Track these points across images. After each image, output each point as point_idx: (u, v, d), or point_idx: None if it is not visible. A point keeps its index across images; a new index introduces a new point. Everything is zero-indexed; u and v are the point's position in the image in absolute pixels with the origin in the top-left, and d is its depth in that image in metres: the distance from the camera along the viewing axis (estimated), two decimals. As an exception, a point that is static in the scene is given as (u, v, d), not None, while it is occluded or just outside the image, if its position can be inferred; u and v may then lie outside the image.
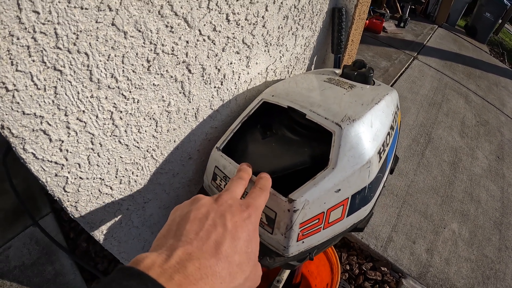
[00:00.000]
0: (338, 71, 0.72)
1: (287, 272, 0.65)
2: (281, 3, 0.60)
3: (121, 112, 0.45)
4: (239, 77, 0.61)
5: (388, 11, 3.64)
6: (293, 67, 0.80)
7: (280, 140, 0.56)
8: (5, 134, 0.37)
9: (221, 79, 0.57)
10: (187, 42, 0.46)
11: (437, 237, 1.72)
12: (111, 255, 1.47)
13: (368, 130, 0.51)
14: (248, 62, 0.61)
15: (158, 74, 0.45)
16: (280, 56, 0.71)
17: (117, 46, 0.39)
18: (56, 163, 0.41)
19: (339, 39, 0.85)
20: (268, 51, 0.65)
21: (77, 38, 0.36)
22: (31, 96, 0.36)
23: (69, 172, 0.44)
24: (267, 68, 0.68)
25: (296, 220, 0.44)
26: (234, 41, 0.54)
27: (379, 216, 1.76)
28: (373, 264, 1.61)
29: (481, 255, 1.63)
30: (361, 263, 1.62)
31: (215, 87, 0.57)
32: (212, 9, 0.46)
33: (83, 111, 0.41)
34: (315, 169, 0.48)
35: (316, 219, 0.47)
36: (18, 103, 0.35)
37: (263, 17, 0.57)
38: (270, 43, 0.64)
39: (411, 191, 1.90)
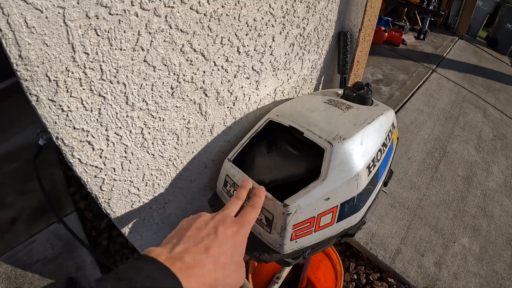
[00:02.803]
0: (341, 91, 0.79)
1: (287, 270, 0.71)
2: (287, 33, 0.68)
3: (149, 128, 0.54)
4: (249, 98, 0.70)
5: (408, 23, 3.63)
6: (301, 87, 0.87)
7: (282, 154, 0.64)
8: (58, 143, 0.48)
9: (233, 100, 0.66)
10: (204, 72, 0.55)
11: (447, 251, 1.70)
12: (129, 253, 1.58)
13: (358, 147, 0.58)
14: (257, 85, 0.70)
15: (180, 98, 0.55)
16: (288, 79, 0.79)
17: (148, 77, 0.49)
18: (96, 167, 0.52)
19: (345, 61, 0.92)
20: (276, 75, 0.74)
21: (117, 72, 0.46)
22: (80, 115, 0.46)
23: (105, 175, 0.54)
24: (275, 90, 0.77)
25: (290, 222, 0.52)
26: (244, 68, 0.63)
27: (389, 228, 1.76)
28: (380, 274, 1.62)
29: (491, 270, 1.61)
30: (368, 273, 1.64)
31: (228, 107, 0.66)
32: (224, 44, 0.55)
33: (120, 127, 0.51)
34: (310, 179, 0.55)
35: (307, 222, 0.54)
36: (71, 120, 0.46)
37: (270, 46, 0.66)
38: (278, 68, 0.73)
39: (422, 204, 1.89)
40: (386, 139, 0.67)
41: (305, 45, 0.77)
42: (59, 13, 0.37)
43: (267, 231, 0.55)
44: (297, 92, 0.87)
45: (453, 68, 3.00)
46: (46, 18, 0.37)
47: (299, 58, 0.77)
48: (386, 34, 3.14)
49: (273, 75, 0.72)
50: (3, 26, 0.35)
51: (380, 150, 0.64)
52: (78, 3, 0.37)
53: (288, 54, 0.73)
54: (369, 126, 0.62)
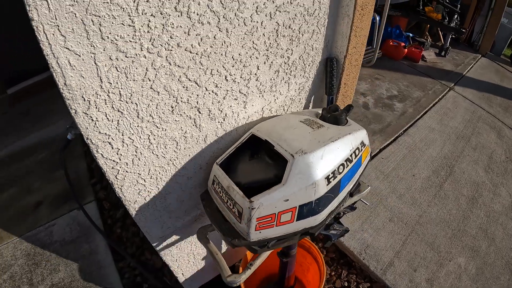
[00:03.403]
0: (321, 111, 0.92)
1: (260, 259, 0.85)
2: (272, 62, 0.83)
3: (154, 135, 0.72)
4: (238, 115, 0.86)
5: (430, 40, 3.63)
6: (289, 106, 1.02)
7: (260, 161, 0.79)
8: (88, 142, 0.66)
9: (224, 117, 0.82)
10: (197, 95, 0.71)
11: (441, 268, 1.73)
12: (139, 241, 1.77)
13: (318, 160, 0.71)
14: (245, 105, 0.85)
15: (178, 114, 0.72)
16: (275, 99, 0.94)
17: (153, 99, 0.66)
18: (113, 161, 0.70)
19: (331, 84, 1.05)
20: (263, 96, 0.89)
21: (131, 95, 0.63)
22: (104, 124, 0.64)
23: (120, 167, 0.71)
24: (262, 108, 0.92)
25: (254, 215, 0.66)
26: (232, 92, 0.78)
27: (384, 241, 1.82)
28: (371, 284, 1.68)
29: (485, 293, 1.62)
30: (359, 282, 1.71)
31: (219, 122, 0.82)
32: (214, 74, 0.71)
33: (132, 133, 0.68)
34: (276, 184, 0.69)
35: (269, 217, 0.67)
36: (97, 127, 0.64)
37: (255, 74, 0.81)
38: (264, 91, 0.88)
39: (421, 221, 1.93)
40: (351, 155, 0.80)
41: (291, 71, 0.91)
42: (91, 56, 0.55)
43: (238, 221, 0.70)
44: (285, 110, 1.01)
45: (472, 86, 2.97)
46: (83, 60, 0.55)
47: (285, 82, 0.92)
48: (406, 50, 3.17)
49: (259, 96, 0.87)
50: (54, 64, 0.53)
51: (342, 164, 0.77)
52: (104, 50, 0.55)
53: (274, 79, 0.87)
54: (332, 143, 0.75)
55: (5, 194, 2.22)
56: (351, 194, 0.85)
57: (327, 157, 0.73)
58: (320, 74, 1.04)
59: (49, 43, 0.52)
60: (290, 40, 0.82)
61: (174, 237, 1.03)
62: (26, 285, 1.68)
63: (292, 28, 0.79)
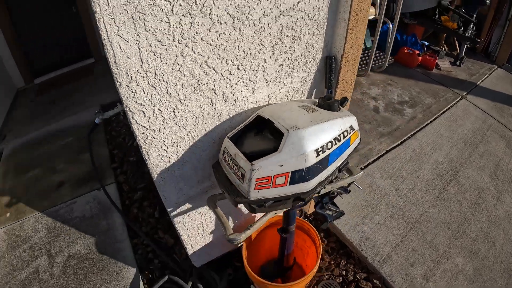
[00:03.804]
0: (318, 100, 1.10)
1: (259, 223, 1.03)
2: (276, 57, 1.03)
3: (178, 109, 0.93)
4: (247, 99, 1.06)
5: (446, 48, 3.74)
6: (292, 96, 1.21)
7: (263, 137, 0.98)
8: (127, 110, 0.87)
9: (235, 99, 1.03)
10: (215, 79, 0.92)
11: (438, 266, 1.83)
12: (154, 222, 1.98)
13: (308, 136, 0.89)
14: (253, 91, 1.05)
15: (198, 94, 0.92)
16: (279, 89, 1.13)
17: (180, 80, 0.87)
18: (144, 127, 0.91)
19: (330, 79, 1.23)
20: (269, 85, 1.09)
21: (163, 75, 0.84)
22: (141, 96, 0.85)
23: (149, 133, 0.93)
24: (268, 96, 1.12)
25: (253, 176, 0.85)
26: (243, 79, 0.99)
27: (383, 235, 1.95)
28: (367, 275, 1.81)
29: (481, 294, 1.70)
30: (356, 272, 1.84)
31: (231, 103, 1.03)
32: (228, 63, 0.92)
33: (161, 106, 0.89)
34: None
35: (266, 179, 0.86)
36: (135, 98, 0.85)
37: (262, 65, 1.01)
38: (270, 80, 1.07)
39: (422, 220, 2.04)
40: (339, 135, 0.98)
41: (293, 65, 1.11)
42: (136, 43, 0.77)
43: (241, 182, 0.89)
44: (289, 99, 1.20)
45: (484, 96, 3.06)
46: (130, 45, 0.76)
47: (288, 75, 1.12)
48: (420, 58, 3.30)
49: (266, 85, 1.07)
50: (109, 47, 0.75)
51: (331, 141, 0.95)
52: (146, 39, 0.77)
53: (278, 71, 1.07)
54: (322, 123, 0.93)
55: (31, 173, 2.50)
56: (339, 169, 1.03)
57: (317, 134, 0.91)
58: (321, 70, 1.23)
59: (106, 31, 0.73)
60: (293, 39, 1.02)
61: (187, 206, 1.23)
62: (45, 255, 1.91)
63: (294, 30, 0.99)
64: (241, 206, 1.43)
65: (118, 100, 2.63)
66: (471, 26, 3.23)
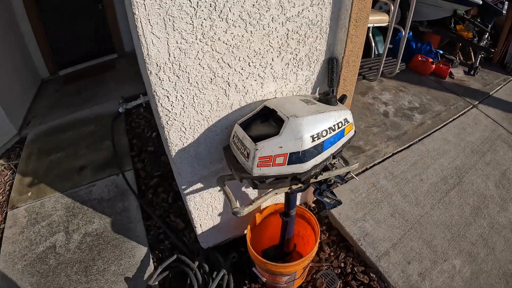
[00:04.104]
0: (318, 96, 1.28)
1: (261, 200, 1.21)
2: (283, 57, 1.22)
3: (197, 97, 1.13)
4: (256, 92, 1.25)
5: (461, 58, 3.83)
6: (297, 92, 1.39)
7: (267, 124, 1.16)
8: (154, 94, 1.07)
9: (246, 92, 1.22)
10: (229, 73, 1.12)
11: (435, 266, 1.93)
12: (167, 206, 2.21)
13: (306, 123, 1.06)
14: (262, 85, 1.24)
15: (214, 85, 1.12)
16: (285, 85, 1.32)
17: (199, 72, 1.07)
18: (167, 110, 1.11)
19: (332, 78, 1.41)
20: (276, 81, 1.27)
21: (186, 67, 1.05)
22: (166, 83, 1.06)
23: (171, 115, 1.13)
24: (275, 90, 1.30)
25: (257, 154, 1.03)
26: (253, 74, 1.18)
27: (383, 232, 2.07)
28: (365, 269, 1.93)
29: (477, 297, 1.77)
30: (354, 265, 1.97)
31: (242, 95, 1.22)
32: (240, 60, 1.11)
33: (183, 92, 1.10)
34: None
35: (267, 158, 1.04)
36: (162, 84, 1.05)
37: (270, 64, 1.20)
38: (277, 77, 1.26)
39: (422, 220, 2.15)
40: (334, 125, 1.15)
41: (298, 65, 1.29)
42: (165, 40, 0.97)
43: (246, 160, 1.08)
44: (294, 94, 1.39)
45: (496, 106, 3.14)
46: (160, 41, 0.97)
47: (293, 73, 1.30)
48: (433, 66, 3.42)
49: (273, 81, 1.26)
50: (143, 42, 0.95)
51: (326, 130, 1.12)
52: (173, 37, 0.97)
53: (285, 69, 1.26)
54: (319, 114, 1.11)
55: (54, 156, 2.76)
56: (333, 156, 1.20)
57: (313, 122, 1.09)
58: (324, 70, 1.41)
59: (142, 29, 0.94)
60: (298, 42, 1.21)
61: (199, 185, 1.43)
62: (62, 232, 2.12)
63: (299, 33, 1.18)
64: (247, 191, 1.62)
65: (140, 93, 2.88)
66: (486, 36, 3.33)
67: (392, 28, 2.41)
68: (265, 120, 1.19)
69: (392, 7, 2.59)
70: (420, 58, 3.44)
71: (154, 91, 1.05)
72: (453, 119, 2.95)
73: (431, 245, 2.02)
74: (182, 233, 2.06)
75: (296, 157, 1.08)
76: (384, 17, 2.86)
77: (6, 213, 2.28)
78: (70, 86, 3.91)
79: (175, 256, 1.85)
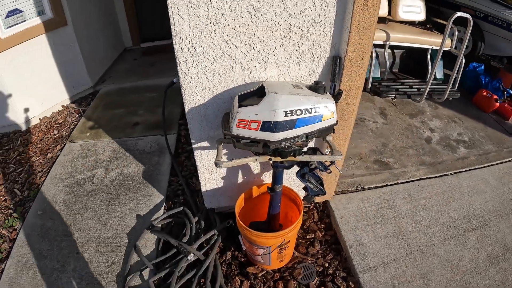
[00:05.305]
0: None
1: (240, 160, 1.48)
2: (285, 47, 1.49)
3: (209, 67, 1.50)
4: (260, 73, 1.55)
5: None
6: (300, 81, 1.64)
7: (258, 98, 1.44)
8: (177, 59, 1.47)
9: (250, 71, 1.53)
10: (236, 53, 1.46)
11: (422, 299, 1.85)
12: (193, 170, 2.66)
13: (282, 100, 1.31)
14: (265, 68, 1.54)
15: (223, 60, 1.48)
16: (288, 72, 1.58)
17: (212, 48, 1.45)
18: (185, 73, 1.52)
19: (334, 74, 1.61)
20: (278, 68, 1.55)
21: (201, 43, 1.42)
22: (186, 53, 1.45)
23: (187, 77, 1.53)
24: (278, 75, 1.58)
25: (236, 117, 1.33)
26: (257, 58, 1.49)
27: (379, 248, 2.08)
28: (346, 276, 1.99)
29: None
30: (338, 269, 2.04)
31: (247, 73, 1.54)
32: (246, 44, 1.44)
33: (198, 61, 1.47)
34: (257, 108, 1.34)
35: (244, 121, 1.33)
36: (183, 53, 1.45)
37: (273, 51, 1.49)
38: (280, 64, 1.54)
39: (426, 250, 2.06)
40: (310, 108, 1.36)
41: (301, 57, 1.54)
42: (188, 20, 1.37)
43: (231, 121, 1.38)
44: (289, 81, 1.63)
45: None
46: (183, 20, 1.36)
47: (296, 63, 1.56)
48: (497, 104, 3.19)
49: (276, 67, 1.54)
50: (172, 20, 1.35)
51: (300, 110, 1.34)
52: (193, 19, 1.35)
53: (287, 58, 1.53)
54: (298, 96, 1.35)
55: (116, 111, 3.46)
56: (307, 136, 1.41)
57: (289, 100, 1.34)
58: (328, 66, 1.62)
59: (172, 10, 1.34)
60: (300, 36, 1.47)
61: (206, 143, 1.78)
62: (103, 168, 2.70)
63: (301, 29, 1.44)
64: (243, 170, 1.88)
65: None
66: None
67: (462, 57, 2.42)
68: (259, 95, 1.47)
69: (456, 32, 2.59)
70: (484, 93, 3.25)
71: (177, 57, 1.45)
72: (502, 162, 2.72)
73: (425, 277, 1.91)
74: (196, 194, 2.43)
75: (268, 126, 1.34)
76: (447, 41, 2.81)
77: (65, 144, 2.98)
78: (147, 58, 4.70)
79: (181, 208, 2.23)
